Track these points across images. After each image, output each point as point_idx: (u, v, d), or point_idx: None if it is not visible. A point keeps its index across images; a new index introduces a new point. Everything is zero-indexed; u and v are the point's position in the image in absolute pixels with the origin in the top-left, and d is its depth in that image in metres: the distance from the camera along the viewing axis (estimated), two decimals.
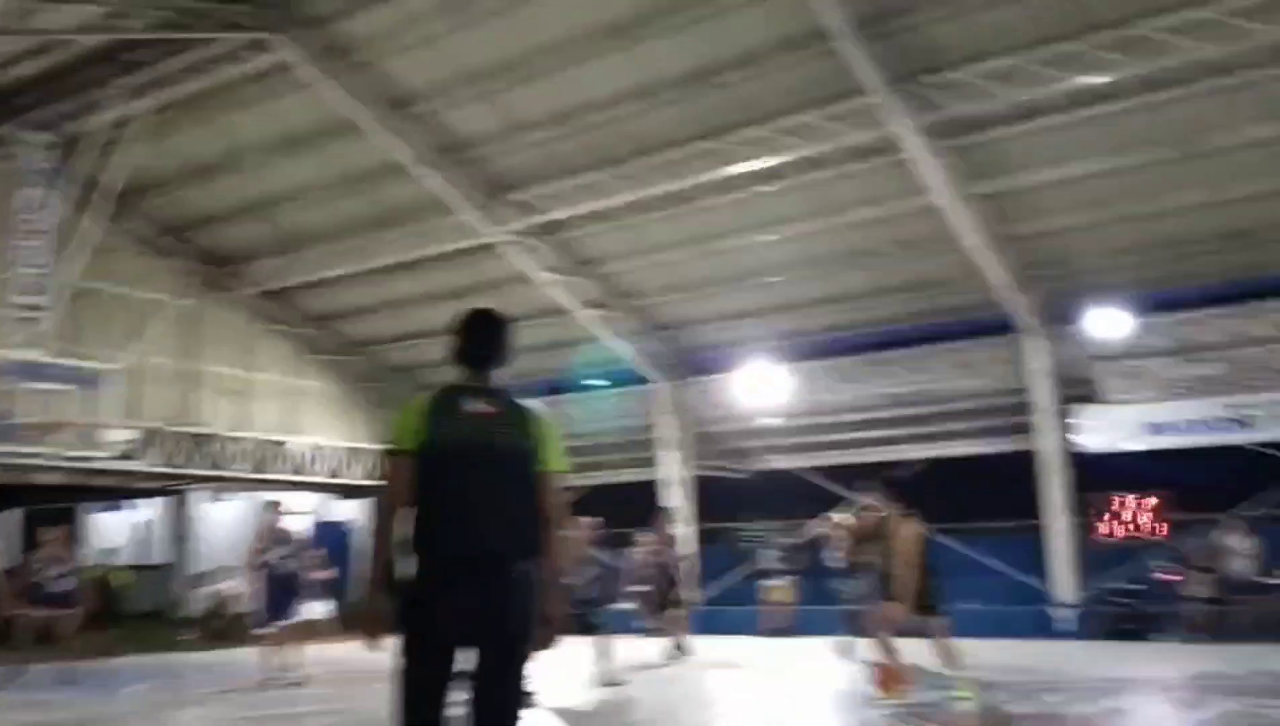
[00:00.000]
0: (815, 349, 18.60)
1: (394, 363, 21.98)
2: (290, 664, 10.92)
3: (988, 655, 12.65)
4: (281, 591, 10.89)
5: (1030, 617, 16.12)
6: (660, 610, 13.23)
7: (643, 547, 13.27)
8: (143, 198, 18.53)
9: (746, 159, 14.48)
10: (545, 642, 3.82)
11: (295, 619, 11.02)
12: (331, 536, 23.43)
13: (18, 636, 12.12)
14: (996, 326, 16.71)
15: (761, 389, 18.60)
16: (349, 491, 22.51)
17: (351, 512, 24.51)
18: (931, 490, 19.28)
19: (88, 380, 16.71)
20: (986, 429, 17.89)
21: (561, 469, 3.88)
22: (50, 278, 16.64)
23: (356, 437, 22.02)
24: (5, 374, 15.76)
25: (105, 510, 27.39)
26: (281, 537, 11.08)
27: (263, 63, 14.89)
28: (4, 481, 17.78)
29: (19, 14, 12.17)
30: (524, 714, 3.73)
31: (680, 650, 12.70)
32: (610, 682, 10.20)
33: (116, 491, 23.06)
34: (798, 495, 20.73)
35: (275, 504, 11.46)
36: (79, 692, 11.12)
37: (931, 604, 8.54)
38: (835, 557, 15.98)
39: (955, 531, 17.44)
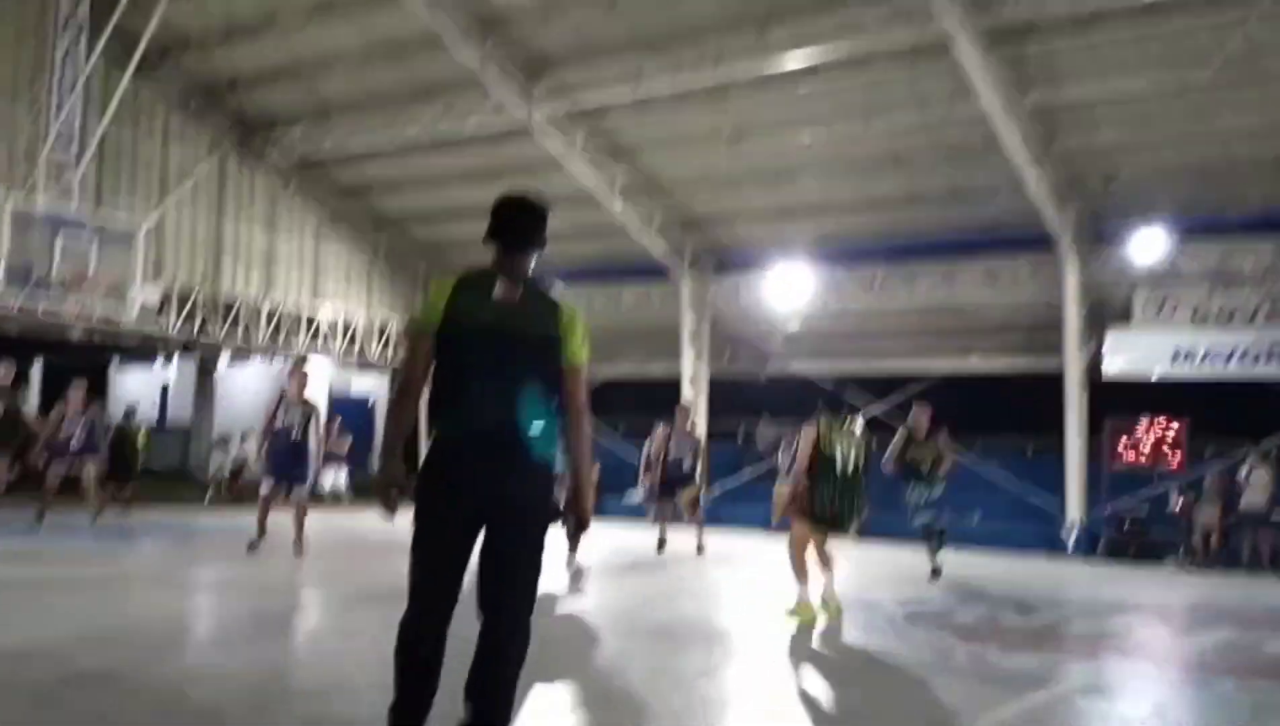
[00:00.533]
0: (844, 254, 18.42)
1: (421, 240, 21.91)
2: (295, 529, 10.61)
3: (993, 569, 12.86)
4: (289, 455, 10.70)
5: (1040, 535, 16.28)
6: (667, 501, 13.28)
7: (658, 439, 13.28)
8: (177, 55, 18.27)
9: (791, 53, 14.09)
10: (573, 534, 3.84)
11: (300, 484, 10.79)
12: (351, 408, 23.78)
13: (43, 486, 12.35)
14: (1032, 241, 16.50)
15: (787, 292, 18.48)
16: (369, 365, 22.70)
17: (371, 386, 24.77)
18: (951, 405, 19.31)
19: (115, 236, 16.72)
20: (1012, 345, 17.81)
21: (584, 360, 3.86)
22: (81, 130, 16.55)
23: (379, 313, 22.10)
24: (36, 225, 15.77)
25: (129, 369, 27.79)
26: (298, 401, 10.93)
27: None
28: (31, 334, 17.96)
29: None
30: (533, 594, 3.75)
31: (700, 548, 12.78)
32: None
33: (140, 350, 23.33)
34: (813, 402, 20.75)
35: (302, 361, 11.20)
36: (96, 543, 11.39)
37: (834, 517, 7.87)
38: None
39: (973, 447, 17.51)
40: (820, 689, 5.61)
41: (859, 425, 8.42)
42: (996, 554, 14.81)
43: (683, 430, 13.23)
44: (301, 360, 11.30)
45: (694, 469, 13.25)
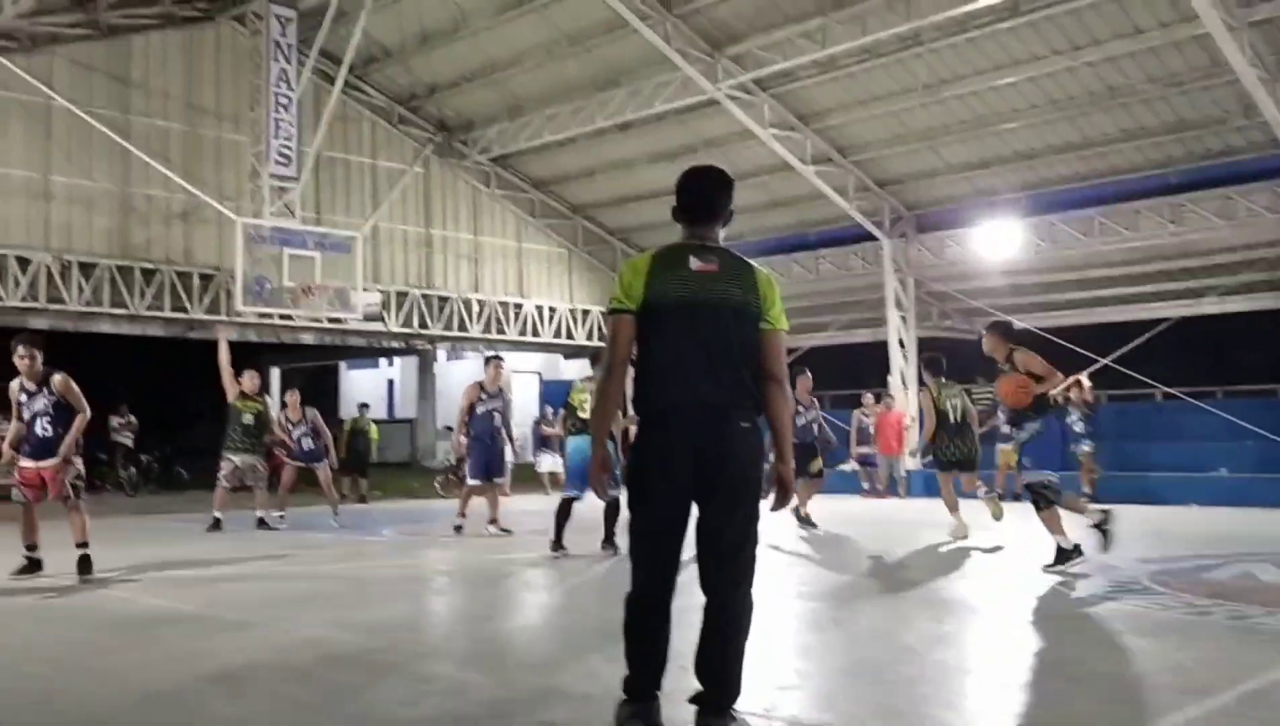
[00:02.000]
0: (1056, 200, 17.42)
1: (615, 225, 22.23)
2: (491, 509, 11.45)
3: (1245, 523, 11.90)
4: (490, 442, 11.37)
5: None
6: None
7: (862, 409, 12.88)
8: (379, 69, 19.21)
9: None
10: (778, 501, 3.81)
11: (499, 470, 11.49)
12: (561, 393, 24.42)
13: (281, 483, 13.27)
14: (1271, 170, 15.12)
15: (996, 244, 17.68)
16: (574, 351, 23.25)
17: (577, 371, 25.33)
18: (1177, 350, 18.04)
19: (335, 246, 17.77)
20: (1249, 283, 16.42)
21: (783, 327, 3.81)
22: (298, 148, 17.66)
23: (580, 299, 22.58)
24: (263, 241, 16.95)
25: (356, 368, 29.53)
26: (495, 392, 11.49)
27: None
28: (267, 341, 19.38)
29: None
30: (753, 564, 3.72)
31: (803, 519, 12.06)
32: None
33: (365, 350, 24.75)
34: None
35: (496, 359, 11.76)
36: (340, 533, 12.15)
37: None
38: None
39: (1205, 394, 16.29)
40: (1063, 653, 5.32)
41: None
42: (1247, 509, 13.70)
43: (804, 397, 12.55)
44: (495, 356, 11.83)
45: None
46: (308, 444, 13.27)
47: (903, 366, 18.88)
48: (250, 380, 12.49)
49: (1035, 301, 18.82)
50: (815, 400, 12.82)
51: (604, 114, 17.75)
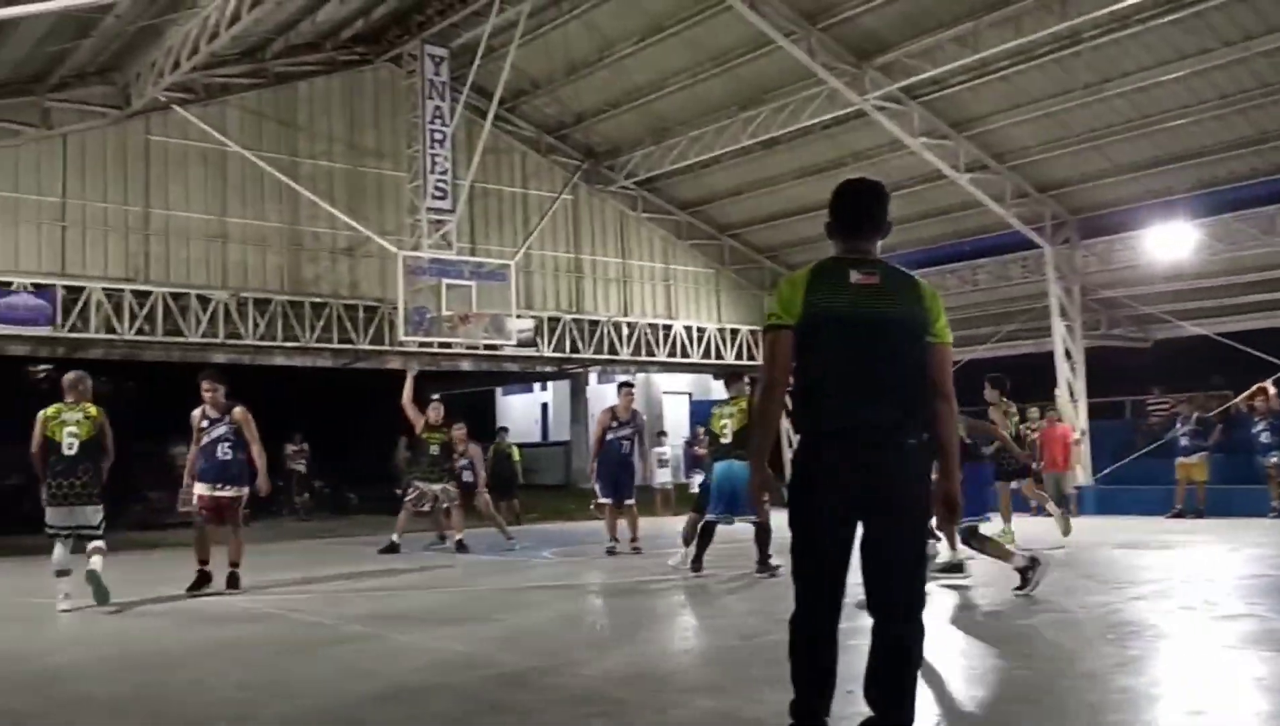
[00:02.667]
0: (1231, 198, 16.44)
1: (764, 243, 22.10)
2: (631, 530, 11.79)
3: None
4: (620, 467, 11.69)
5: None
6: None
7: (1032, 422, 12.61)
8: (527, 100, 19.69)
9: None
10: (945, 520, 3.70)
11: (628, 492, 11.77)
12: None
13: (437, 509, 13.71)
14: None
15: (1167, 247, 16.80)
16: (724, 371, 23.14)
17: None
18: None
19: (489, 274, 18.25)
20: None
21: (948, 340, 3.69)
22: (452, 181, 18.25)
23: (729, 318, 22.53)
24: (422, 272, 17.54)
25: (511, 393, 30.21)
26: (626, 419, 11.65)
27: None
28: (429, 369, 20.02)
29: None
30: (923, 586, 3.60)
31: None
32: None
33: (520, 375, 25.30)
34: (1208, 363, 18.75)
35: (627, 387, 12.14)
36: (503, 555, 12.40)
37: None
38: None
39: None
40: (1256, 683, 4.96)
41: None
42: None
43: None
44: (626, 383, 12.17)
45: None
46: (468, 477, 13.74)
47: (1070, 378, 18.10)
48: (435, 412, 13.08)
49: (1212, 305, 17.77)
50: None
51: (749, 132, 17.69)
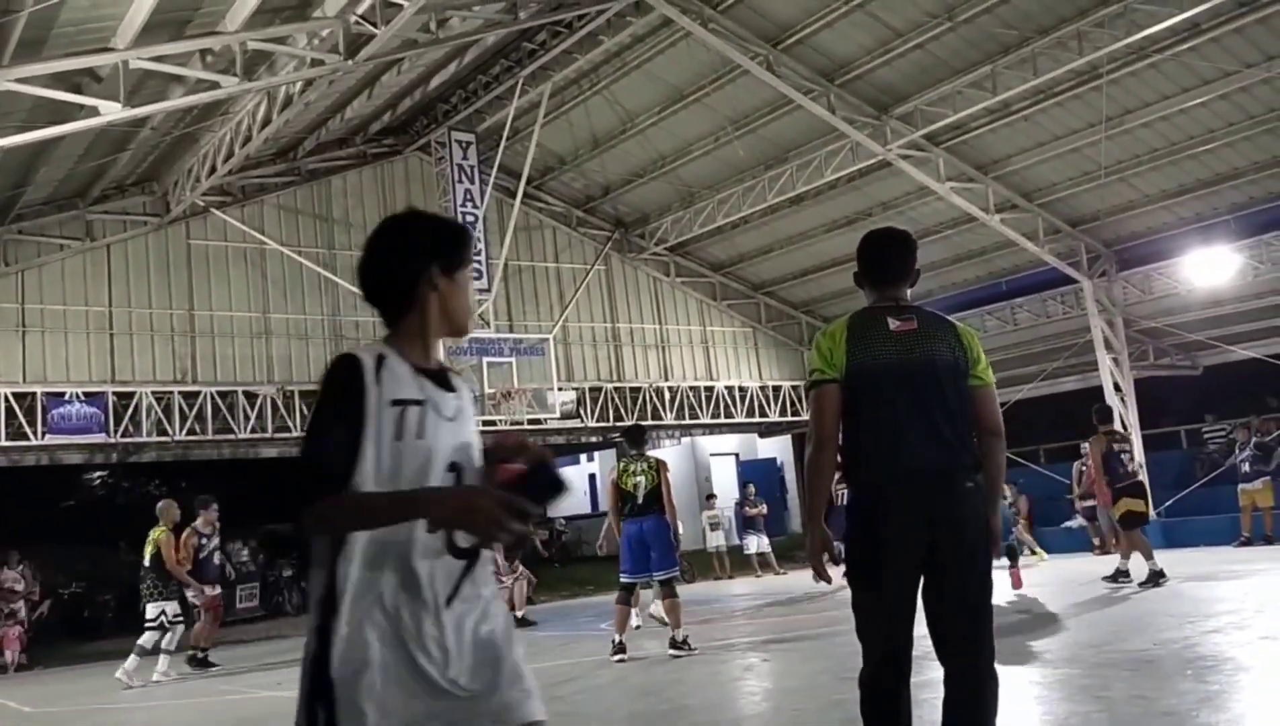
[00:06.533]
0: (1270, 219, 16.26)
1: (799, 298, 22.14)
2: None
3: None
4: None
5: None
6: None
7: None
8: (553, 176, 20.02)
9: (1161, 10, 12.77)
10: (991, 559, 3.67)
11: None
12: (760, 473, 24.26)
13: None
14: None
15: (1208, 272, 16.61)
16: (769, 429, 23.08)
17: (774, 449, 25.18)
18: None
19: (528, 350, 18.41)
20: None
21: (991, 381, 3.71)
22: (486, 261, 18.50)
23: (770, 376, 22.49)
24: (463, 352, 17.71)
25: (558, 465, 30.19)
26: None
27: (640, 27, 15.45)
28: None
29: (435, 23, 13.44)
30: (992, 631, 3.54)
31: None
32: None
33: (565, 447, 25.28)
34: (1261, 386, 18.43)
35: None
36: (546, 630, 12.32)
37: None
38: None
39: None
40: None
41: None
42: None
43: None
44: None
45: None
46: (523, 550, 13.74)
47: (1121, 410, 17.81)
48: None
49: (1261, 327, 17.52)
50: None
51: (775, 190, 17.83)
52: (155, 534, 11.37)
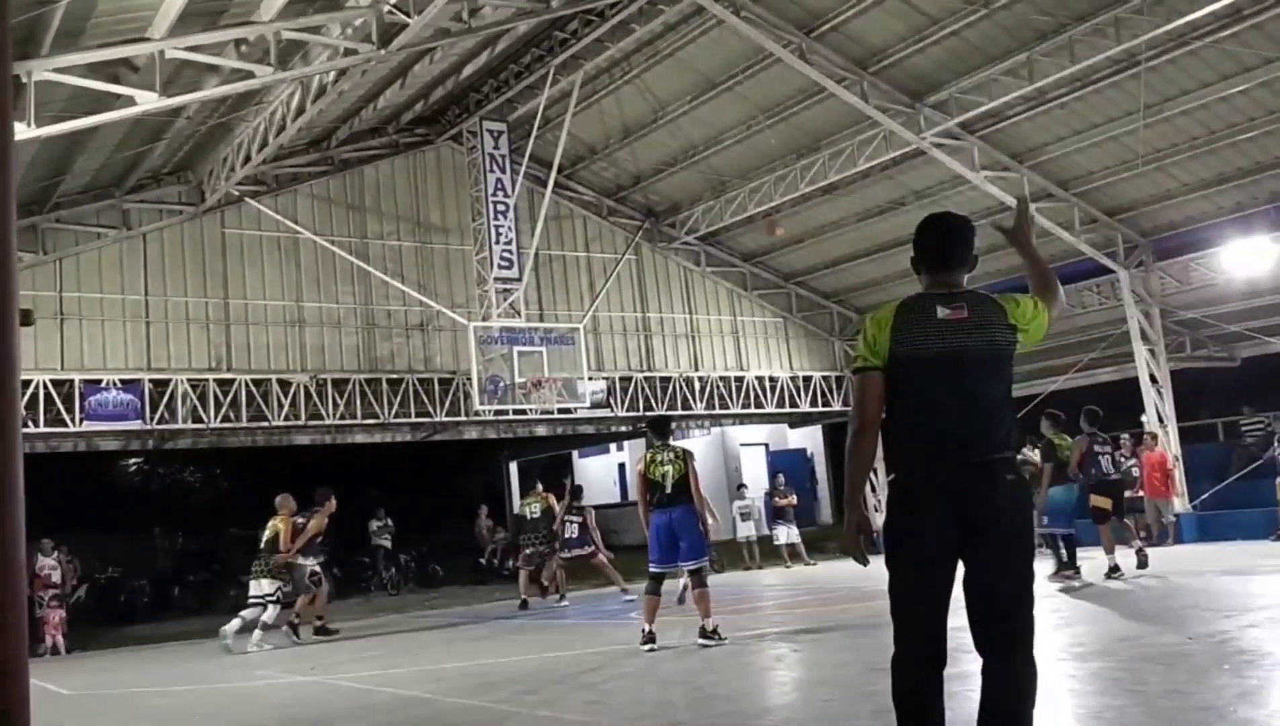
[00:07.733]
0: None
1: (830, 288, 22.01)
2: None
3: None
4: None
5: None
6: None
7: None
8: (584, 166, 20.00)
9: (1202, 3, 12.56)
10: (1033, 551, 3.65)
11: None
12: (791, 463, 24.20)
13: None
14: None
15: (1248, 263, 16.36)
16: (800, 420, 22.97)
17: (805, 439, 25.08)
18: None
19: (558, 339, 18.43)
20: None
21: (1038, 338, 3.73)
22: (517, 250, 18.54)
23: (800, 367, 22.38)
24: (494, 342, 17.78)
25: (587, 455, 30.27)
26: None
27: (671, 15, 15.38)
28: (505, 436, 20.21)
29: (467, 11, 13.41)
30: (1033, 623, 3.50)
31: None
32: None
33: (595, 437, 25.35)
34: None
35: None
36: (597, 616, 12.36)
37: None
38: None
39: None
40: None
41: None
42: None
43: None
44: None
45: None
46: (575, 538, 15.49)
47: (1157, 402, 17.61)
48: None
49: None
50: None
51: (808, 179, 17.71)
52: (276, 521, 12.87)
